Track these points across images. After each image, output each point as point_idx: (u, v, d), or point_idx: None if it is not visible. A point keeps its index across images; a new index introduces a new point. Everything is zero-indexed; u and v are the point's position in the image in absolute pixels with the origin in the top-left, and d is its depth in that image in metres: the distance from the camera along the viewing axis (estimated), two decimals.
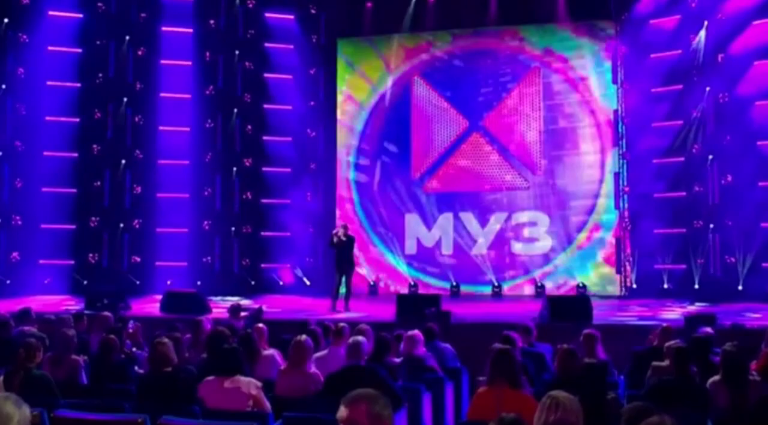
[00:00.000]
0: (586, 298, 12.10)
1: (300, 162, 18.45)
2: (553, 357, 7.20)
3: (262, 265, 18.28)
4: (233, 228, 18.25)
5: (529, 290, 17.13)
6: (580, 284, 16.58)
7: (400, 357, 6.99)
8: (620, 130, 16.99)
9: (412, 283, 17.56)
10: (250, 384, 5.27)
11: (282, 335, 7.98)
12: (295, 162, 18.43)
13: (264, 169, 18.39)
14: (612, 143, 17.08)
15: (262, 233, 18.35)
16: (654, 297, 15.31)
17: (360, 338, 6.07)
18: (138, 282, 17.33)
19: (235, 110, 18.36)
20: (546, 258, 17.21)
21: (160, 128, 17.98)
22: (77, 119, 17.61)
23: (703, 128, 15.55)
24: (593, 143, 17.26)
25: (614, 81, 17.14)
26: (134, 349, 7.86)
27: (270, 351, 6.82)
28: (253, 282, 18.01)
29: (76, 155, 17.58)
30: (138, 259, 17.77)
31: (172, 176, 17.78)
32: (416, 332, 7.13)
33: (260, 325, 7.56)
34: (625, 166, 16.93)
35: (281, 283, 18.08)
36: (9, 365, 5.82)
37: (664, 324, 7.65)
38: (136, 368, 6.91)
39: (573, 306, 11.27)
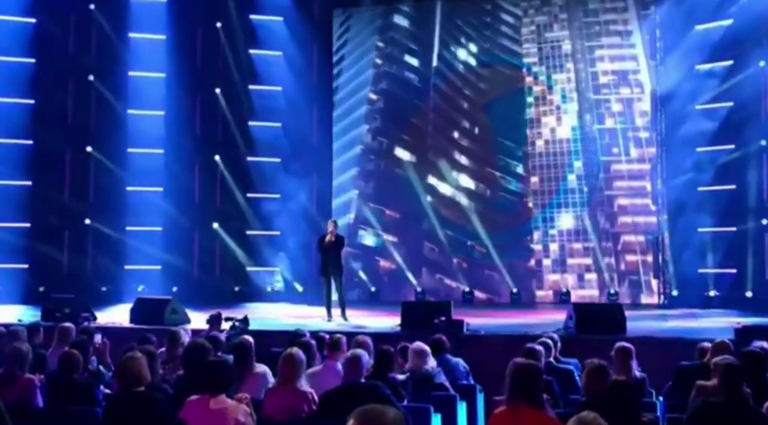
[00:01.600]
0: (618, 307, 12.09)
1: (291, 151, 18.47)
2: (581, 373, 7.22)
3: (248, 268, 18.31)
4: (215, 226, 18.29)
5: (552, 297, 17.16)
6: (612, 291, 16.58)
7: (405, 373, 7.00)
8: (658, 113, 16.96)
9: (419, 289, 17.60)
10: (238, 409, 5.25)
11: (271, 348, 8.00)
12: (286, 151, 18.45)
13: (250, 159, 18.42)
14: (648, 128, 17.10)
15: (248, 233, 18.38)
16: (698, 306, 15.30)
17: (359, 351, 6.08)
18: (104, 289, 17.37)
19: (217, 91, 18.37)
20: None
21: (129, 111, 18.01)
22: (31, 101, 17.65)
23: (757, 111, 15.52)
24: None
25: (652, 56, 17.13)
26: (100, 366, 7.86)
27: (261, 368, 6.84)
28: (237, 288, 18.05)
29: (30, 142, 17.62)
30: (104, 262, 17.81)
31: (143, 167, 17.80)
32: (423, 344, 7.14)
33: (246, 337, 7.57)
34: (663, 154, 16.91)
35: (271, 288, 18.13)
36: None
37: (718, 339, 7.56)
38: (102, 387, 6.92)
39: (603, 316, 11.26)
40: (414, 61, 18.79)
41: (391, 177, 18.50)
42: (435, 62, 18.57)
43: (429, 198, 18.20)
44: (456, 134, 18.32)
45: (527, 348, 7.06)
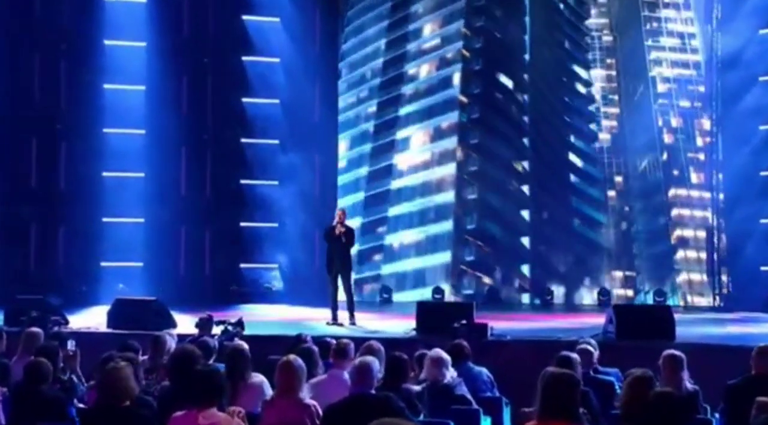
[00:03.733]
0: (666, 309, 12.12)
1: (291, 131, 18.49)
2: (623, 385, 7.24)
3: (242, 265, 18.39)
4: (204, 217, 18.35)
5: (589, 298, 17.17)
6: (659, 291, 16.57)
7: (421, 383, 7.04)
8: (715, 87, 16.89)
9: (436, 288, 17.68)
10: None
11: (268, 355, 8.05)
12: (285, 131, 18.47)
13: (244, 140, 18.46)
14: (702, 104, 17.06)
15: (242, 224, 18.43)
16: (760, 309, 15.27)
17: (369, 358, 6.12)
18: (77, 289, 17.45)
19: (206, 61, 18.40)
20: None
21: (106, 86, 18.05)
22: None
23: None
24: None
25: (708, 21, 17.07)
26: (73, 377, 7.90)
27: (257, 378, 6.89)
28: (230, 288, 18.11)
29: None
30: (77, 258, 17.90)
31: (122, 150, 17.85)
32: (441, 351, 7.18)
33: (240, 343, 7.63)
34: (719, 134, 16.85)
35: (269, 287, 18.20)
36: None
37: (761, 344, 7.57)
38: (75, 401, 6.97)
39: (649, 320, 11.29)
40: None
41: None
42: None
43: None
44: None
45: (561, 355, 7.08)
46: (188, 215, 18.36)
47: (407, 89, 19.12)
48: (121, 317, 12.49)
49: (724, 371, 8.27)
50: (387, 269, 18.38)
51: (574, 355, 7.27)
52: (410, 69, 19.20)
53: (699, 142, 17.19)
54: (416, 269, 17.34)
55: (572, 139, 17.74)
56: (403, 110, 19.20)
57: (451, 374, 7.11)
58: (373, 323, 13.30)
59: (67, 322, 12.73)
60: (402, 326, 12.02)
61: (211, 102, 18.60)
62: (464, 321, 10.99)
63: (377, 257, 18.85)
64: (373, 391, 5.95)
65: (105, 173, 17.97)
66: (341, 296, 13.16)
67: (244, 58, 18.49)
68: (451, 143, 18.53)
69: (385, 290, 18.54)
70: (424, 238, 18.21)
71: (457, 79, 18.67)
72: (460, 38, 18.83)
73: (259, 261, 18.40)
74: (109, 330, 12.17)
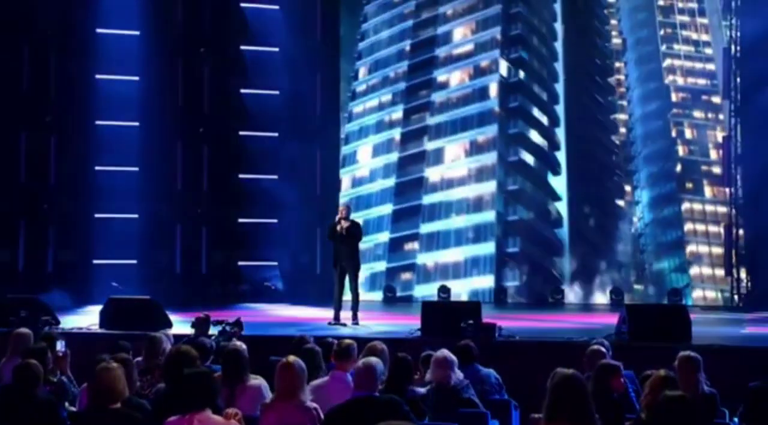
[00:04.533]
0: (682, 309, 12.09)
1: (291, 123, 18.50)
2: (636, 389, 7.23)
3: (240, 262, 18.40)
4: (201, 213, 18.37)
5: (601, 297, 17.20)
6: (674, 290, 16.57)
7: (427, 385, 7.05)
8: (733, 76, 16.87)
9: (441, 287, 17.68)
10: None
11: (269, 356, 8.06)
12: (285, 124, 18.48)
13: (242, 133, 18.46)
14: (720, 94, 17.08)
15: (240, 220, 18.44)
16: None
17: (373, 359, 6.13)
18: (68, 287, 17.46)
19: (202, 50, 18.41)
20: None
21: (98, 76, 18.05)
22: None
23: None
24: None
25: (727, 8, 17.07)
26: (63, 378, 7.92)
27: (256, 380, 6.90)
28: (227, 286, 18.13)
29: None
30: (68, 256, 17.91)
31: (114, 143, 17.85)
32: (448, 352, 7.19)
33: (238, 343, 7.64)
34: (738, 126, 16.82)
35: (268, 286, 18.21)
36: None
37: None
38: (66, 404, 6.98)
39: (664, 320, 11.28)
40: None
41: None
42: None
43: None
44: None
45: (601, 362, 6.98)
46: (184, 211, 18.38)
47: (437, 97, 19.01)
48: (115, 317, 12.49)
49: (743, 373, 8.26)
50: (420, 290, 18.34)
51: (614, 363, 7.13)
52: (440, 76, 19.09)
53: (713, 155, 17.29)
54: (455, 292, 17.25)
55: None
56: (433, 119, 19.10)
57: (457, 376, 7.12)
58: (376, 322, 13.30)
59: (57, 322, 12.74)
60: (406, 326, 12.02)
61: (207, 93, 18.59)
62: (471, 321, 10.99)
63: (407, 275, 18.76)
64: (377, 393, 5.96)
65: (97, 167, 17.97)
66: (346, 294, 13.14)
67: (242, 47, 18.49)
68: (490, 158, 18.41)
69: (389, 289, 18.51)
70: (462, 259, 18.04)
71: (494, 90, 18.55)
72: (496, 46, 18.75)
73: (258, 259, 18.40)
74: (102, 331, 12.18)
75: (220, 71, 18.52)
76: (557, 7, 18.62)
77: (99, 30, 18.03)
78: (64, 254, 18.01)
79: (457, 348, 7.72)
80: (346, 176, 19.97)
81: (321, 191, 18.50)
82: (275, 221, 18.37)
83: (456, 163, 19.11)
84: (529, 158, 18.60)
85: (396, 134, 19.41)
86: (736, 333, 13.11)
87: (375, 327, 12.61)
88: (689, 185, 17.51)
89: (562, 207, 18.23)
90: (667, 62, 17.90)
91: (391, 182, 19.50)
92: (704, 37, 17.79)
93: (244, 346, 7.39)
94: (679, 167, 17.64)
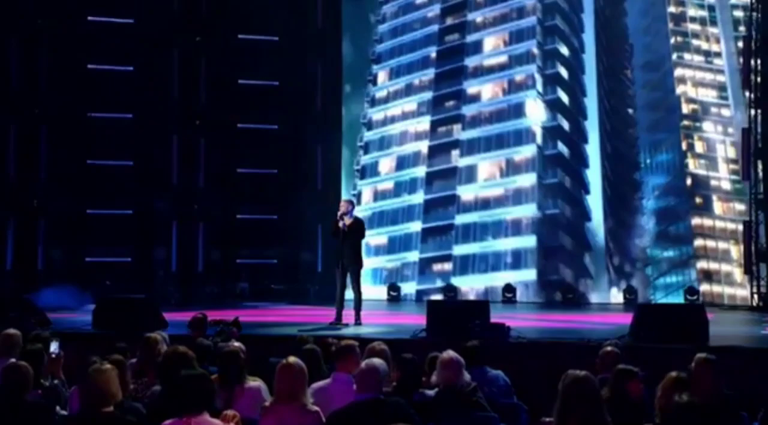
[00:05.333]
0: (698, 309, 12.07)
1: (291, 116, 18.49)
2: (650, 391, 7.23)
3: (239, 260, 18.41)
4: (197, 209, 18.38)
5: (616, 296, 17.22)
6: (690, 289, 16.56)
7: (433, 388, 7.06)
8: (753, 64, 16.84)
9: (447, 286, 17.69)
10: None
11: (268, 357, 8.08)
12: (285, 115, 18.47)
13: (240, 125, 18.47)
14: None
15: (239, 217, 18.45)
16: None
17: (376, 361, 6.12)
18: (60, 286, 17.48)
19: (198, 39, 18.41)
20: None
21: (90, 66, 18.06)
22: None
23: None
24: None
25: None
26: (55, 381, 7.93)
27: (255, 382, 6.91)
28: (225, 285, 18.14)
29: None
30: (59, 253, 17.93)
31: (107, 136, 17.87)
32: (455, 353, 7.19)
33: (236, 344, 7.65)
34: (758, 117, 16.79)
35: (268, 284, 18.22)
36: None
37: None
38: (58, 408, 6.99)
39: (679, 320, 11.25)
40: None
41: None
42: None
43: None
44: None
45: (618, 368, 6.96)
46: (180, 207, 18.37)
47: (468, 110, 18.77)
48: (108, 318, 12.49)
49: (764, 375, 8.27)
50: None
51: (632, 368, 7.14)
52: (470, 87, 18.83)
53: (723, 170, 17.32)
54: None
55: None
56: (465, 134, 18.87)
57: (465, 378, 7.12)
58: (378, 321, 13.32)
59: (49, 323, 12.75)
60: (411, 326, 12.02)
61: (204, 84, 18.59)
62: (479, 321, 10.99)
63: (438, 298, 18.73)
64: (380, 396, 5.95)
65: (89, 161, 17.98)
66: (348, 294, 13.14)
67: (239, 35, 18.48)
68: (528, 179, 18.14)
69: (393, 288, 18.50)
70: (499, 287, 17.75)
71: (530, 106, 18.31)
72: (532, 60, 18.65)
73: (257, 256, 18.41)
74: (95, 331, 12.20)
75: (217, 61, 18.51)
76: (585, 18, 18.50)
77: (91, 18, 18.02)
78: (56, 252, 18.00)
79: (464, 348, 7.71)
80: (367, 188, 19.81)
81: (322, 185, 18.49)
82: (275, 217, 18.37)
83: (490, 182, 18.82)
84: (567, 180, 18.46)
85: (423, 146, 19.21)
86: (756, 333, 13.09)
87: (378, 327, 12.61)
88: (699, 201, 17.58)
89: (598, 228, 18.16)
90: (679, 72, 17.90)
91: (419, 198, 19.23)
92: (715, 48, 17.79)
93: (242, 347, 7.41)
94: (689, 181, 17.68)
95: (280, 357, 6.72)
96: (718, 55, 17.68)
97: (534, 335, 11.68)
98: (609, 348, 8.09)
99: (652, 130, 17.94)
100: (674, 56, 17.90)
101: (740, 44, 17.12)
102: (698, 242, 17.36)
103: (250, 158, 18.41)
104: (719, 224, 17.34)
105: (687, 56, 17.86)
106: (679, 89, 17.76)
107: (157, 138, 18.29)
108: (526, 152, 18.43)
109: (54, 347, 8.47)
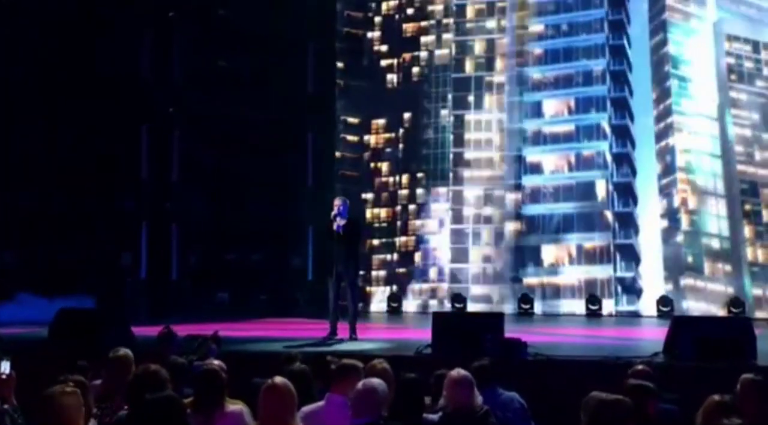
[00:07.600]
0: (745, 323, 12.04)
1: (278, 102, 18.53)
2: (686, 415, 7.22)
3: (217, 266, 18.45)
4: (171, 208, 18.39)
5: (647, 309, 17.27)
6: (735, 301, 16.59)
7: (439, 411, 7.05)
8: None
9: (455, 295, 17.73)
10: None
11: (252, 377, 8.07)
12: (272, 101, 18.51)
13: (219, 113, 18.49)
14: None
15: (217, 216, 18.47)
16: None
17: (375, 381, 6.11)
18: (13, 294, 17.49)
19: (171, 15, 18.41)
20: None
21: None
22: None
23: None
24: None
25: None
26: (6, 407, 7.91)
27: (237, 407, 6.89)
28: (203, 294, 18.19)
29: None
30: (10, 258, 17.93)
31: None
32: (465, 372, 7.18)
33: (215, 362, 7.63)
34: None
35: (251, 293, 18.26)
36: None
37: None
38: None
39: (723, 336, 11.23)
40: None
41: None
42: None
43: None
44: None
45: (632, 384, 6.95)
46: (151, 205, 18.39)
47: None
48: (67, 332, 12.47)
49: None
50: None
51: (648, 384, 7.15)
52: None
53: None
54: None
55: None
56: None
57: (476, 400, 7.11)
58: (378, 336, 13.33)
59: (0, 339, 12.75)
60: (414, 341, 12.02)
61: (178, 66, 18.60)
62: (491, 335, 10.98)
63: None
64: (380, 421, 5.95)
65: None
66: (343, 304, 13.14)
67: (220, 11, 18.50)
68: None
69: (394, 298, 18.56)
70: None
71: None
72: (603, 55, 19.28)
73: (237, 261, 18.45)
74: (52, 347, 12.17)
75: (193, 40, 18.51)
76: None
77: None
78: (8, 255, 18.01)
79: (473, 367, 7.70)
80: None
81: (313, 181, 18.51)
82: (259, 216, 18.39)
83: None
84: None
85: None
86: None
87: (377, 343, 12.61)
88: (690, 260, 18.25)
89: None
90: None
91: None
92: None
93: (222, 365, 7.40)
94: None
95: (264, 377, 6.72)
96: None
97: (554, 351, 11.67)
98: (640, 367, 8.09)
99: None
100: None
101: None
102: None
103: (230, 149, 18.44)
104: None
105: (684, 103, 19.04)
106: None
107: (124, 128, 18.23)
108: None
109: (5, 366, 8.44)
